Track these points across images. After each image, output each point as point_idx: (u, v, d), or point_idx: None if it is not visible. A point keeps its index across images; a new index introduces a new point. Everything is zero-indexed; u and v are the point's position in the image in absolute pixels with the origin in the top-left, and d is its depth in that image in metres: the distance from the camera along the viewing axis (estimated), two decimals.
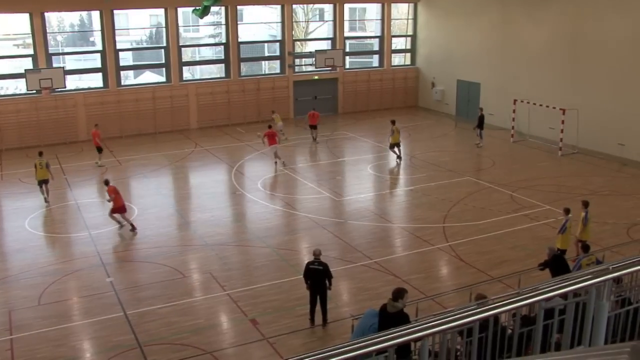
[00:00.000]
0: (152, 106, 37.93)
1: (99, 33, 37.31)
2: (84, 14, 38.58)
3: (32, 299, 17.05)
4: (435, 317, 6.56)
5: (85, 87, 38.05)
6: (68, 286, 18.04)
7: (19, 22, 36.01)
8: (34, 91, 35.11)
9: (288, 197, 25.09)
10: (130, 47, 39.84)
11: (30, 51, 36.01)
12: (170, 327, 15.22)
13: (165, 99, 38.26)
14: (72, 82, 37.05)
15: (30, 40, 36.06)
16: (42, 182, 25.23)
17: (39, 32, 35.42)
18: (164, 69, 39.02)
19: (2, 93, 36.67)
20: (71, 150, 34.13)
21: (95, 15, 37.37)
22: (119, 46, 37.54)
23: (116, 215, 22.07)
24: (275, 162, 29.23)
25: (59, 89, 35.40)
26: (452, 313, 6.23)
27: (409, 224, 21.98)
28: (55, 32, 38.19)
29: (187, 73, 39.96)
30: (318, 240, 20.08)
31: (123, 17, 38.99)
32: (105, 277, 18.24)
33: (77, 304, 17.01)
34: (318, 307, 15.18)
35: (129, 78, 39.56)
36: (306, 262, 15.63)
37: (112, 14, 36.79)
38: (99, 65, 37.53)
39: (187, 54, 40.26)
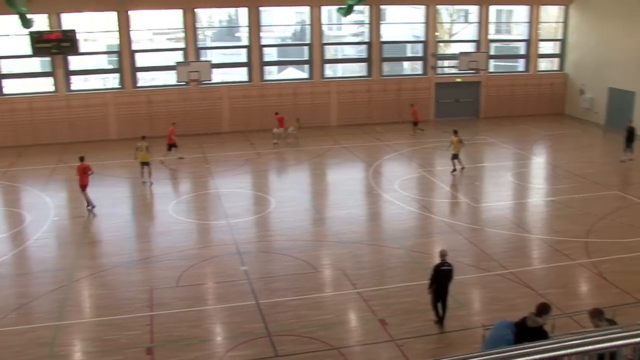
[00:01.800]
0: (294, 102, 38.64)
1: (246, 29, 38.48)
2: (232, 10, 39.89)
3: (171, 279, 17.80)
4: (573, 335, 6.16)
5: (230, 80, 39.34)
6: (205, 271, 18.69)
7: (173, 18, 37.83)
8: (183, 83, 36.76)
9: (424, 200, 24.78)
10: (274, 43, 40.75)
11: (182, 45, 37.70)
12: (300, 320, 15.38)
13: (307, 95, 38.90)
14: (218, 76, 38.42)
15: (181, 35, 37.76)
16: (144, 164, 26.98)
17: (190, 27, 37.05)
18: (306, 65, 39.67)
19: (154, 84, 38.65)
20: (214, 140, 35.34)
21: (243, 11, 38.55)
22: (263, 42, 38.56)
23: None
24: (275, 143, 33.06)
25: (206, 82, 36.89)
26: (594, 334, 5.82)
27: (548, 235, 21.09)
28: (204, 28, 39.71)
29: (329, 70, 40.42)
30: (452, 245, 19.68)
31: (268, 14, 39.96)
32: (240, 265, 18.72)
33: (212, 289, 17.58)
34: None
35: (272, 73, 40.51)
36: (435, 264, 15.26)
37: (259, 11, 37.82)
38: (244, 60, 38.71)
39: (330, 52, 40.73)
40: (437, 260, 15.06)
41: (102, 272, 18.54)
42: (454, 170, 27.96)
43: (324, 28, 39.54)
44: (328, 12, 39.74)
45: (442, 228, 21.71)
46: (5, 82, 36.61)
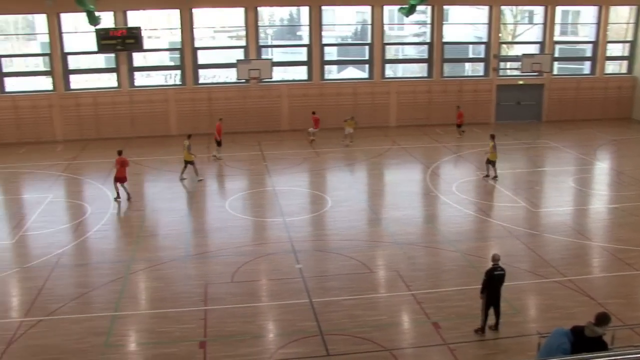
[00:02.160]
0: (353, 101, 38.59)
1: (307, 28, 38.59)
2: (294, 9, 40.05)
3: (226, 275, 17.95)
4: (636, 348, 5.91)
5: (290, 79, 39.51)
6: (260, 267, 18.78)
7: (235, 16, 38.20)
8: (243, 80, 37.11)
9: (482, 203, 24.40)
10: (335, 42, 40.76)
11: (243, 43, 38.04)
12: (353, 320, 15.31)
13: (366, 95, 38.79)
14: (278, 74, 38.65)
15: (243, 33, 38.10)
16: (187, 162, 27.35)
17: (252, 25, 37.36)
18: (366, 65, 39.55)
19: (214, 81, 39.12)
20: (273, 138, 35.57)
21: (304, 10, 38.67)
22: (324, 41, 38.61)
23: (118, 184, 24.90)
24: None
25: (266, 80, 37.18)
26: None
27: (610, 243, 20.48)
28: (266, 26, 39.98)
29: (389, 71, 40.22)
30: (509, 250, 19.34)
31: (330, 13, 39.99)
32: (295, 263, 18.75)
33: (266, 286, 17.66)
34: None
35: (332, 72, 40.53)
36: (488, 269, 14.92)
37: (320, 10, 37.88)
38: (304, 58, 38.82)
39: (391, 52, 40.52)
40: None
41: (158, 266, 18.81)
42: (487, 175, 27.31)
43: (385, 28, 39.33)
44: (389, 12, 39.51)
45: (500, 232, 21.33)
46: (72, 77, 37.60)
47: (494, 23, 39.61)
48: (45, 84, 37.71)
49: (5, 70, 37.26)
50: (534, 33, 41.63)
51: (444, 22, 39.28)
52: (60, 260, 19.39)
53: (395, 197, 25.33)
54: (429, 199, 25.23)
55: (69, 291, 17.32)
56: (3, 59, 37.13)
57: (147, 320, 15.65)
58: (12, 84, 37.71)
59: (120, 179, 24.97)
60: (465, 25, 41.61)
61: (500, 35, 40.35)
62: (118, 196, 25.00)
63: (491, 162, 27.01)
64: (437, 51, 39.21)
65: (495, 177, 27.06)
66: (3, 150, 35.08)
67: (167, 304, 16.35)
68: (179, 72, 38.38)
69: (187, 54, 37.45)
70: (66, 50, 37.15)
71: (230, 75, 38.52)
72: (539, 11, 40.94)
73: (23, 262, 19.45)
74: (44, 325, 15.39)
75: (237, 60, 37.05)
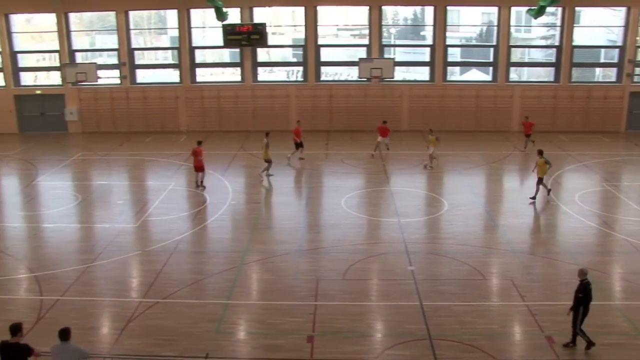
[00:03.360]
0: (475, 104, 37.82)
1: (431, 28, 38.13)
2: (418, 8, 39.67)
3: (338, 272, 17.97)
4: None
5: (412, 79, 39.16)
6: (371, 267, 18.69)
7: (358, 15, 38.29)
8: (365, 79, 37.14)
9: (607, 216, 23.21)
10: (459, 43, 40.06)
11: (365, 41, 38.06)
12: (463, 327, 14.96)
13: (489, 98, 37.87)
14: (400, 74, 38.40)
15: (366, 32, 38.12)
16: (266, 161, 27.45)
17: (376, 24, 37.30)
18: (490, 67, 38.63)
19: (336, 79, 39.36)
20: (392, 138, 35.32)
21: (429, 10, 38.22)
22: (448, 42, 38.01)
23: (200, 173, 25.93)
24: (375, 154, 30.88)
25: (387, 79, 37.05)
26: None
27: None
28: (389, 25, 39.81)
29: (514, 74, 39.08)
30: (635, 267, 18.33)
31: (455, 14, 39.35)
32: (408, 265, 18.53)
33: (377, 285, 17.54)
34: None
35: (454, 74, 39.88)
36: (581, 282, 14.03)
37: (445, 10, 37.30)
38: (427, 59, 38.38)
39: (516, 55, 39.35)
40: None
41: (272, 258, 19.08)
42: (543, 193, 24.76)
43: (512, 29, 38.22)
44: (517, 13, 38.35)
45: (625, 247, 20.21)
46: (198, 70, 38.91)
47: (632, 26, 37.48)
48: (172, 76, 39.25)
49: (137, 62, 39.03)
50: None
51: (574, 25, 37.67)
52: (178, 246, 20.07)
53: (514, 204, 24.57)
54: (549, 208, 24.29)
55: (185, 276, 17.88)
56: (136, 52, 38.91)
57: (258, 311, 15.90)
58: (142, 76, 39.50)
59: (197, 167, 25.94)
60: (598, 28, 39.77)
61: (637, 38, 38.23)
62: (198, 185, 26.19)
63: (541, 181, 24.49)
64: (565, 55, 37.70)
65: (549, 191, 24.85)
66: (131, 137, 36.84)
67: (278, 296, 16.55)
68: (301, 68, 38.86)
69: (310, 51, 37.85)
70: (194, 44, 38.44)
71: (352, 74, 38.67)
72: None
73: (144, 245, 20.27)
74: (160, 307, 15.96)
75: (360, 59, 37.18)
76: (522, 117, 37.30)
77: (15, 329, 11.25)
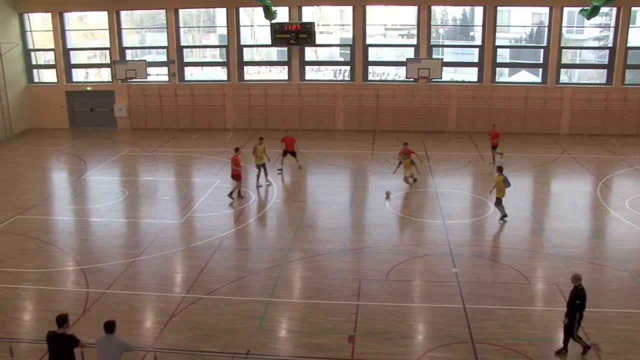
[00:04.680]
0: (524, 106, 37.28)
1: (480, 28, 37.73)
2: (467, 8, 39.29)
3: (381, 272, 17.91)
4: None
5: (460, 80, 38.81)
6: (415, 268, 18.56)
7: (407, 14, 38.13)
8: (412, 79, 36.94)
9: None
10: (508, 44, 39.53)
11: (413, 41, 37.84)
12: (506, 331, 14.75)
13: (538, 100, 37.29)
14: (448, 74, 38.09)
15: (414, 31, 37.90)
16: (258, 166, 26.45)
17: (424, 24, 37.07)
18: (540, 69, 38.03)
19: (383, 79, 39.24)
20: (439, 139, 35.13)
21: (479, 10, 37.83)
22: (498, 42, 37.54)
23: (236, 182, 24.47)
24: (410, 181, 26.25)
25: (435, 80, 36.76)
26: None
27: None
28: (438, 25, 39.50)
29: (564, 76, 38.39)
30: None
31: (505, 14, 38.85)
32: (452, 267, 18.37)
33: (419, 287, 17.42)
34: None
35: (503, 75, 39.38)
36: (576, 288, 13.59)
37: (495, 10, 36.84)
38: (475, 59, 38.00)
39: (567, 56, 38.67)
40: None
41: (315, 257, 19.10)
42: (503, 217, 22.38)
43: (564, 30, 37.55)
44: (569, 14, 37.66)
45: None
46: (245, 68, 39.23)
47: None
48: (220, 74, 39.61)
49: (185, 60, 39.50)
50: None
51: (630, 25, 36.80)
52: (222, 243, 20.24)
53: (561, 208, 24.14)
54: (597, 213, 23.82)
55: (228, 273, 18.02)
56: (184, 50, 39.38)
57: (300, 309, 15.93)
58: (190, 73, 39.98)
59: (234, 176, 24.63)
60: None
61: None
62: (239, 196, 24.74)
63: (498, 200, 22.25)
64: (619, 57, 36.87)
65: (504, 217, 22.29)
66: (179, 134, 37.30)
67: (320, 295, 16.56)
68: (348, 68, 38.82)
69: (357, 51, 37.79)
70: (242, 42, 38.73)
71: (400, 74, 38.50)
72: None
73: (189, 241, 20.49)
74: (203, 303, 16.11)
75: (407, 59, 37.00)
76: (571, 119, 36.77)
77: (62, 320, 11.46)
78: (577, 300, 13.45)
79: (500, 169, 22.60)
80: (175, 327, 14.96)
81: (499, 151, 30.68)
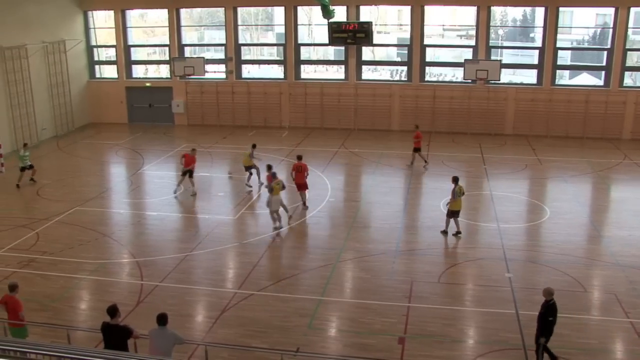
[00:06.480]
0: (584, 110, 36.41)
1: (541, 29, 37.02)
2: (528, 9, 38.61)
3: (433, 275, 17.76)
4: None
5: (518, 82, 38.18)
6: (467, 271, 18.35)
7: (466, 15, 37.70)
8: (469, 80, 36.49)
9: None
10: (570, 46, 38.70)
11: (472, 42, 37.38)
12: (559, 339, 14.36)
13: (600, 104, 36.36)
14: (506, 76, 37.51)
15: (473, 32, 37.45)
16: (246, 168, 26.20)
17: (483, 24, 36.54)
18: (603, 72, 37.12)
19: (440, 79, 38.88)
20: (495, 142, 34.62)
21: (540, 11, 37.12)
22: (559, 44, 36.77)
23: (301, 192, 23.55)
24: None
25: (493, 81, 36.25)
26: None
27: None
28: (498, 26, 38.93)
29: (629, 79, 37.37)
30: None
31: (568, 15, 38.02)
32: (505, 271, 18.08)
33: (472, 291, 17.20)
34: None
35: (563, 78, 38.56)
36: (547, 302, 13.28)
37: (557, 11, 36.08)
38: (535, 61, 37.32)
39: (632, 59, 37.62)
40: None
41: (367, 257, 19.04)
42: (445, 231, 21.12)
43: (629, 32, 36.52)
44: (635, 14, 36.55)
45: None
46: (302, 67, 39.36)
47: None
48: (277, 72, 39.84)
49: (243, 57, 39.84)
50: None
51: None
52: (275, 240, 20.33)
53: (621, 215, 23.51)
54: None
55: (280, 271, 18.15)
56: (242, 48, 39.73)
57: (350, 309, 15.90)
58: (247, 71, 40.31)
59: (299, 185, 23.54)
60: None
61: None
62: (304, 205, 23.59)
63: (454, 214, 20.89)
64: None
65: (458, 233, 20.97)
66: (236, 131, 37.69)
67: (371, 295, 16.50)
68: (405, 68, 38.58)
69: (415, 51, 37.52)
70: (299, 41, 38.88)
71: (457, 75, 38.08)
72: None
73: (242, 238, 20.69)
74: (254, 299, 16.23)
75: (465, 60, 36.53)
76: (635, 123, 35.80)
77: (113, 310, 11.68)
78: (550, 318, 13.02)
79: (455, 180, 21.15)
80: (226, 322, 15.11)
81: (424, 157, 29.60)
